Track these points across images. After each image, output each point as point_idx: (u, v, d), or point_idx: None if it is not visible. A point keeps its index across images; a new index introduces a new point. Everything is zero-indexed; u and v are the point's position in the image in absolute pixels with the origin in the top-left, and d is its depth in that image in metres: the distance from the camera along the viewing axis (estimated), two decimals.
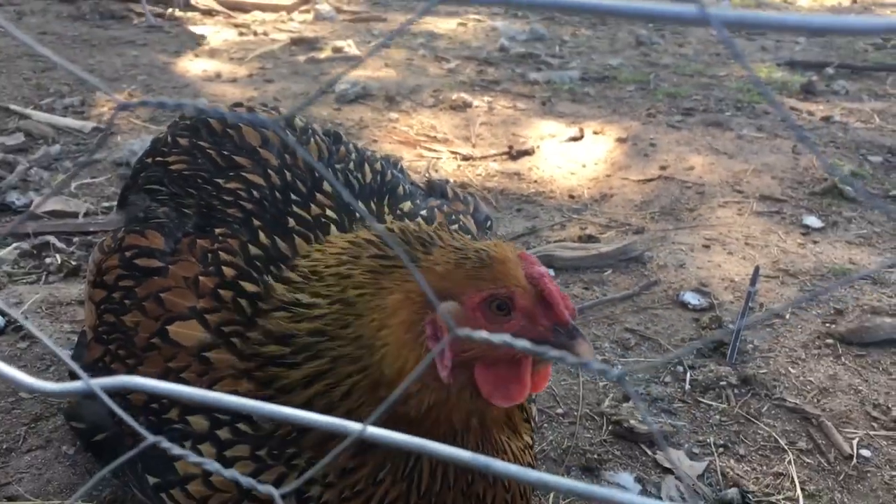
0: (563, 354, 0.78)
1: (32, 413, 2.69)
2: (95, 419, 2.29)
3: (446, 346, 1.60)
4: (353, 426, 0.78)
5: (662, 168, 5.07)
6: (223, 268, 1.97)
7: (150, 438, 0.83)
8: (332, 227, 2.05)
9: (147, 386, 0.84)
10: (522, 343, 0.73)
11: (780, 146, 5.46)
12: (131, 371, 2.02)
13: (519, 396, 1.67)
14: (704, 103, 6.40)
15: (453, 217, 2.36)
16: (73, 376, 2.41)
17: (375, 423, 1.61)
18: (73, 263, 3.61)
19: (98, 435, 2.29)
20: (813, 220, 4.44)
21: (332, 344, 1.68)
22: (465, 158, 5.20)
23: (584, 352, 1.56)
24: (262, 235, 2.01)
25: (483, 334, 0.77)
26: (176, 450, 0.84)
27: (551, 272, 3.73)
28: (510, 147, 5.34)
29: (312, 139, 2.38)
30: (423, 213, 2.31)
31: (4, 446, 2.56)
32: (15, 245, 3.74)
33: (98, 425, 2.28)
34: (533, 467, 2.03)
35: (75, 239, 3.87)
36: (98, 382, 0.86)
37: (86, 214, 4.10)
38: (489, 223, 2.55)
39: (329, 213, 2.09)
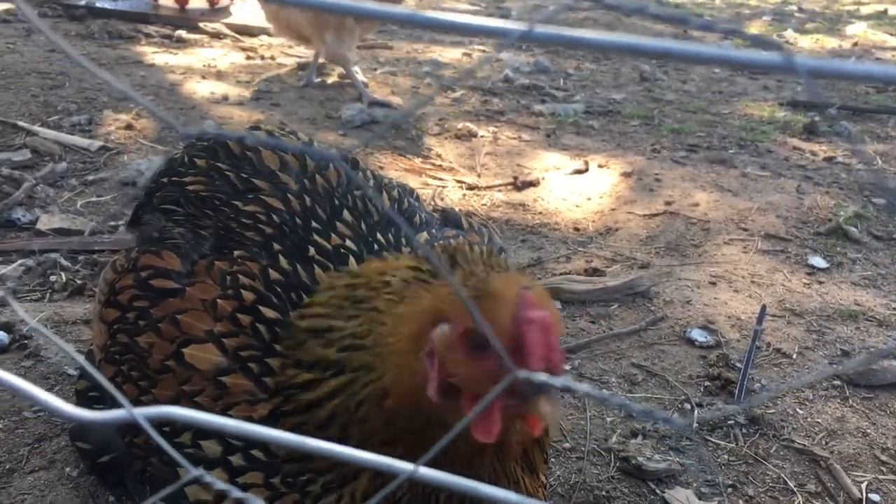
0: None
1: (36, 433, 2.65)
2: (102, 440, 2.26)
3: (435, 367, 1.55)
4: (404, 467, 0.76)
5: (668, 203, 5.08)
6: (242, 291, 1.95)
7: (193, 472, 0.81)
8: (351, 259, 2.04)
9: (193, 418, 0.82)
10: (584, 388, 0.72)
11: (784, 185, 5.48)
12: (144, 393, 1.99)
13: (488, 436, 1.51)
14: (708, 140, 6.43)
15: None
16: (79, 398, 2.38)
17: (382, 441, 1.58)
18: (78, 282, 3.58)
19: (104, 456, 2.25)
20: (818, 261, 4.45)
21: (356, 354, 1.65)
22: (471, 188, 5.21)
23: (543, 410, 1.39)
24: (282, 261, 2.00)
25: (542, 377, 0.75)
26: (219, 484, 0.82)
27: (558, 305, 3.72)
28: (515, 178, 5.35)
29: (331, 164, 2.38)
30: (439, 243, 2.30)
31: (7, 466, 2.52)
32: (20, 262, 3.71)
33: (104, 446, 2.25)
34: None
35: (80, 257, 3.85)
36: (142, 412, 0.84)
37: (91, 233, 4.09)
38: (503, 255, 2.54)
39: (348, 243, 2.07)
